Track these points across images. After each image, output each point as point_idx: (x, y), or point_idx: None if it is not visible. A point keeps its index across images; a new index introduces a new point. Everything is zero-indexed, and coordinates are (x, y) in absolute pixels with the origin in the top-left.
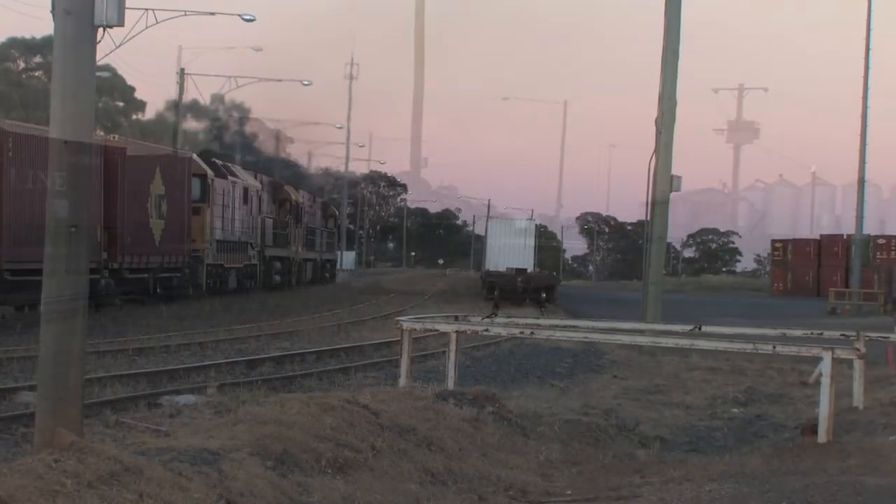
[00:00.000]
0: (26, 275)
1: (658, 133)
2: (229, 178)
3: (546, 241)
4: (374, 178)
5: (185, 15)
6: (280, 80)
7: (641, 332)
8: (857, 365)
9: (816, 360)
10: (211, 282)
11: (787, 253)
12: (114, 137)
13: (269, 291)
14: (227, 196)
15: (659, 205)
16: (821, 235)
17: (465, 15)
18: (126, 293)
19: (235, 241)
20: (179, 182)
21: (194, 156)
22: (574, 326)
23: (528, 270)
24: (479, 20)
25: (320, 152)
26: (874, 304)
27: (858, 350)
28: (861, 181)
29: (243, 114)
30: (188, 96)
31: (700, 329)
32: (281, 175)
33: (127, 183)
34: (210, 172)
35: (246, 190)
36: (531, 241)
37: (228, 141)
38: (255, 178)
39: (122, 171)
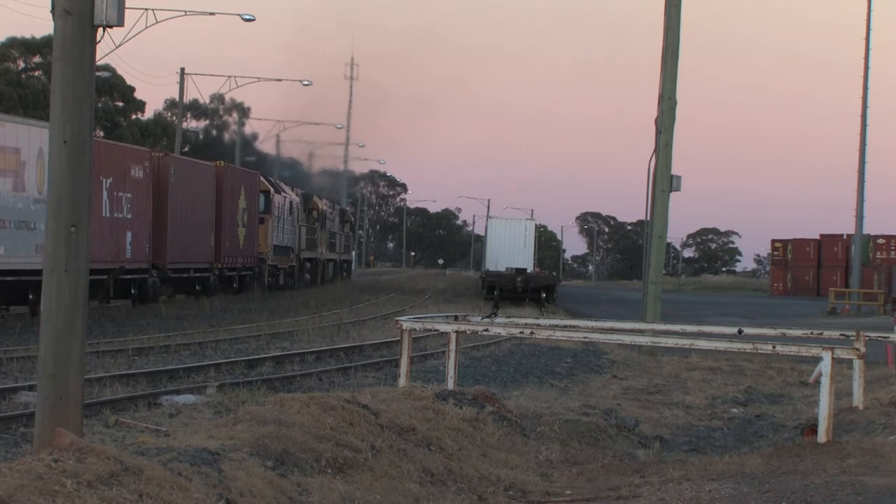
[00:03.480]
0: (182, 273)
1: (658, 133)
2: (282, 193)
3: (546, 240)
4: (374, 178)
5: (185, 15)
6: (279, 80)
7: (641, 332)
8: (857, 365)
9: (816, 359)
10: (269, 280)
11: (787, 253)
12: (219, 164)
13: (299, 289)
14: (281, 208)
15: (659, 204)
16: (820, 235)
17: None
18: (224, 289)
19: (284, 245)
20: (253, 197)
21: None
22: (574, 326)
23: (528, 270)
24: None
25: (323, 152)
26: (874, 304)
27: (858, 350)
28: (861, 181)
29: (243, 113)
30: (188, 96)
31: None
32: (280, 175)
33: (226, 199)
34: (271, 189)
35: (291, 203)
36: (531, 241)
37: (227, 140)
38: (293, 191)
39: (224, 190)
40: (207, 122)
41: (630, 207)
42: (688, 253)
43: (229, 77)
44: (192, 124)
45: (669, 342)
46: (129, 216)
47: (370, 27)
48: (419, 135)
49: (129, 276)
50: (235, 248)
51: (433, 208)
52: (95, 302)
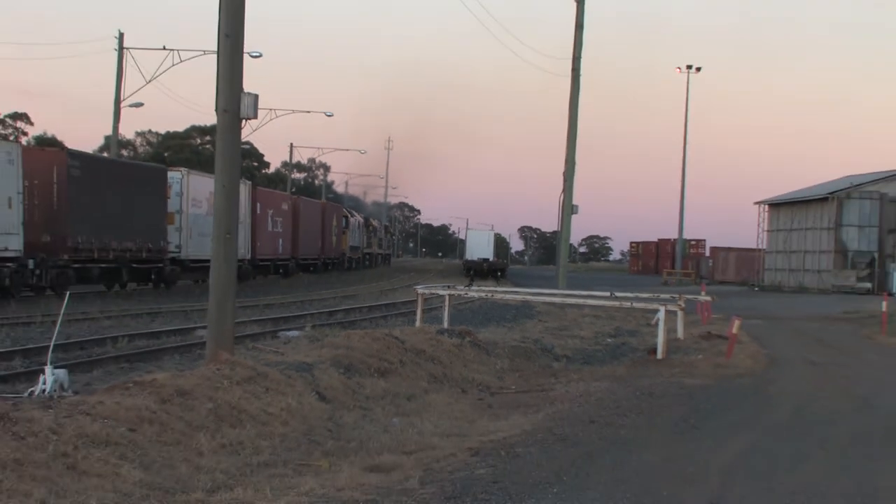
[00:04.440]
0: (305, 261)
1: (564, 181)
2: (353, 216)
3: (500, 241)
4: (402, 206)
5: (292, 112)
6: (347, 150)
7: (555, 295)
8: (680, 314)
9: (655, 311)
10: (346, 265)
11: (639, 249)
12: (323, 202)
13: (364, 269)
14: (353, 225)
15: (566, 221)
16: (658, 239)
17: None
18: (323, 270)
19: (355, 245)
20: (339, 219)
21: (342, 206)
22: (516, 291)
23: (490, 259)
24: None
25: (372, 192)
26: (689, 278)
27: (680, 305)
28: (682, 209)
29: (326, 170)
30: (294, 159)
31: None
32: (348, 205)
33: (326, 220)
34: (348, 215)
35: (358, 222)
36: (492, 242)
37: (317, 185)
38: (358, 215)
39: (325, 216)
40: (305, 174)
41: (550, 222)
42: (582, 249)
43: (318, 148)
44: (297, 175)
45: (571, 301)
46: (280, 230)
47: (400, 114)
48: (428, 178)
49: (280, 263)
50: (330, 248)
51: (436, 223)
52: (262, 277)
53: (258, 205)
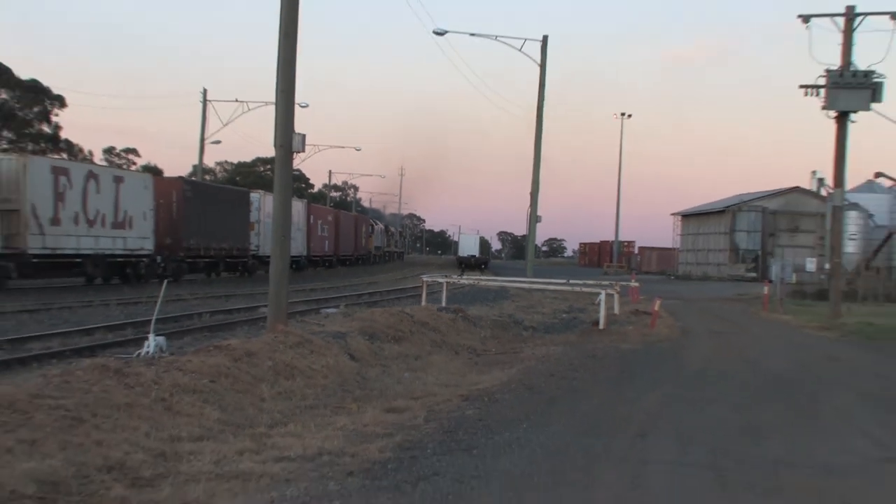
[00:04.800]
0: (343, 257)
1: (531, 196)
2: (377, 225)
3: (483, 242)
4: (412, 217)
5: (330, 148)
6: (370, 175)
7: (524, 282)
8: (616, 296)
9: (598, 293)
10: (372, 260)
11: (586, 248)
12: (356, 214)
13: (384, 263)
14: (377, 231)
15: (532, 227)
16: (601, 241)
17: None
18: (356, 264)
19: (378, 245)
20: (368, 227)
21: (368, 217)
22: (495, 280)
23: (476, 255)
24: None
25: (390, 206)
26: (623, 270)
27: (616, 290)
28: (618, 215)
29: (356, 190)
30: (332, 181)
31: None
32: (372, 217)
33: (358, 228)
34: (373, 224)
35: (380, 229)
36: (478, 243)
37: (349, 201)
38: (380, 223)
39: (358, 224)
40: (340, 193)
41: (520, 228)
42: (544, 248)
43: (350, 174)
44: (333, 194)
45: (536, 286)
46: (326, 235)
47: (411, 147)
48: (430, 194)
49: (326, 259)
50: (360, 248)
51: (436, 229)
52: (312, 269)
53: (311, 216)
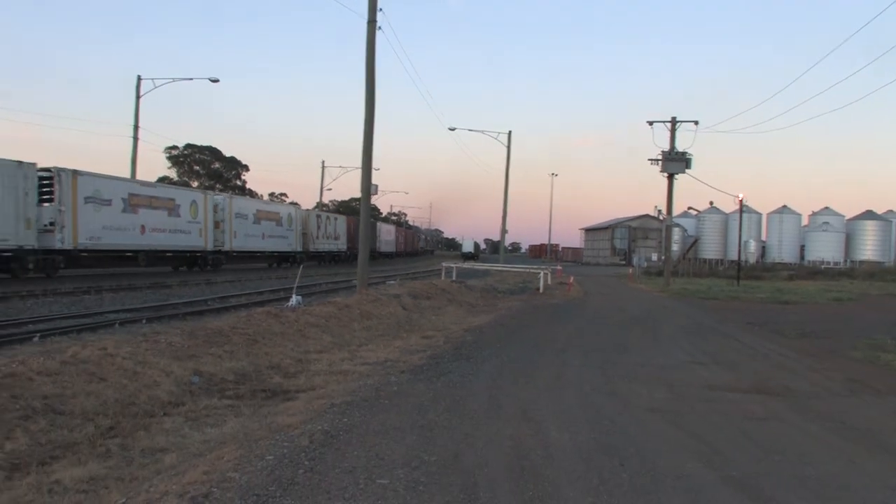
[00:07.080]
0: (385, 253)
1: (503, 218)
2: (420, 234)
3: (477, 244)
4: (437, 229)
5: (392, 192)
6: (415, 207)
7: (498, 267)
8: (549, 274)
9: (537, 273)
10: (416, 255)
11: (538, 249)
12: (406, 227)
13: (421, 257)
14: (419, 237)
15: (503, 236)
16: (541, 243)
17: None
18: (407, 258)
19: (421, 246)
20: (416, 235)
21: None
22: (482, 265)
23: (472, 252)
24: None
25: (419, 222)
26: (553, 260)
27: (549, 271)
28: (550, 224)
29: (405, 214)
30: (392, 209)
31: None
32: (414, 230)
33: (410, 236)
34: (404, 229)
35: (422, 236)
36: (472, 245)
37: (402, 220)
38: (411, 227)
39: (408, 234)
40: (396, 216)
41: (497, 235)
42: (509, 247)
43: (402, 206)
44: (393, 217)
45: (506, 269)
46: (392, 239)
47: (439, 187)
48: (447, 216)
49: (393, 254)
50: (409, 247)
51: (450, 236)
52: (387, 259)
53: (383, 228)
